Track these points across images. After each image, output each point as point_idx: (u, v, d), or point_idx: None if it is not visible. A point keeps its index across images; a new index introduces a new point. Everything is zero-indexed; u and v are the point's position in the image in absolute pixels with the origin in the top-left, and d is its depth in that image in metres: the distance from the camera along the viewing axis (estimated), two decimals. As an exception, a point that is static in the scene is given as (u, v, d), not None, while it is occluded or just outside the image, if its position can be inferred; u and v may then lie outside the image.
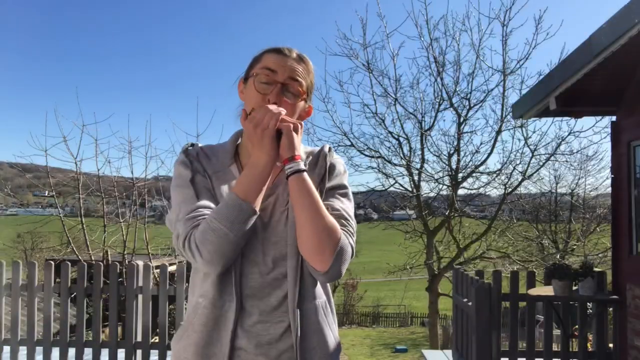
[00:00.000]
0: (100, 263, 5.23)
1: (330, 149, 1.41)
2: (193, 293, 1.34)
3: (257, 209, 1.24)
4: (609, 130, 5.54)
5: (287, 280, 1.28)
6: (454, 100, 11.88)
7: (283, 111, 1.25)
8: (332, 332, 1.35)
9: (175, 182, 1.33)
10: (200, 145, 1.41)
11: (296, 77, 1.32)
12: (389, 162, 12.57)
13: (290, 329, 1.27)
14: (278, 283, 1.28)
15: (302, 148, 1.39)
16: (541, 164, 11.96)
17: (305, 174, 1.23)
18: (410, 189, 12.83)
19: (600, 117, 9.45)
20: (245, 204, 1.21)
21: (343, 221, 1.28)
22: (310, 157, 1.39)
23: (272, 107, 1.24)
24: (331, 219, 1.23)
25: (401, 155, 12.44)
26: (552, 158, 11.86)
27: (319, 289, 1.35)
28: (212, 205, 1.27)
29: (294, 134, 1.24)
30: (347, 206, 1.33)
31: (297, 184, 1.22)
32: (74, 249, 10.16)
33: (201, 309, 1.28)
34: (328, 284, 1.39)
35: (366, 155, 12.58)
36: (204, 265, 1.23)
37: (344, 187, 1.37)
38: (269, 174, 1.25)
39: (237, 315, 1.26)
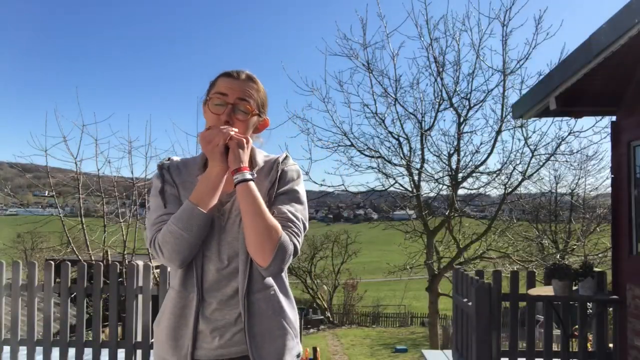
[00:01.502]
0: (100, 263, 5.23)
1: (286, 157, 1.59)
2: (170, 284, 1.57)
3: (209, 211, 1.44)
4: (609, 130, 5.53)
5: (238, 273, 1.47)
6: (454, 100, 11.88)
7: (233, 130, 1.45)
8: (285, 319, 1.51)
9: (151, 192, 1.57)
10: (177, 159, 1.63)
11: (245, 97, 1.52)
12: (389, 162, 12.57)
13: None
14: (233, 276, 1.48)
15: (263, 156, 1.60)
16: (541, 164, 11.96)
17: (251, 183, 1.43)
18: (410, 189, 12.81)
19: (600, 117, 9.45)
20: (197, 209, 1.42)
21: (289, 223, 1.46)
22: (267, 165, 1.57)
23: (223, 127, 1.45)
24: (272, 221, 1.42)
25: (401, 155, 12.44)
26: (552, 158, 11.85)
27: (270, 280, 1.50)
28: (175, 211, 1.47)
29: (240, 149, 1.44)
30: (295, 209, 1.51)
31: (242, 191, 1.42)
32: (74, 249, 10.17)
33: (170, 299, 1.52)
34: (284, 275, 1.57)
35: (366, 155, 12.57)
36: (166, 262, 1.46)
37: (294, 192, 1.54)
38: (219, 182, 1.46)
39: (198, 305, 1.47)
